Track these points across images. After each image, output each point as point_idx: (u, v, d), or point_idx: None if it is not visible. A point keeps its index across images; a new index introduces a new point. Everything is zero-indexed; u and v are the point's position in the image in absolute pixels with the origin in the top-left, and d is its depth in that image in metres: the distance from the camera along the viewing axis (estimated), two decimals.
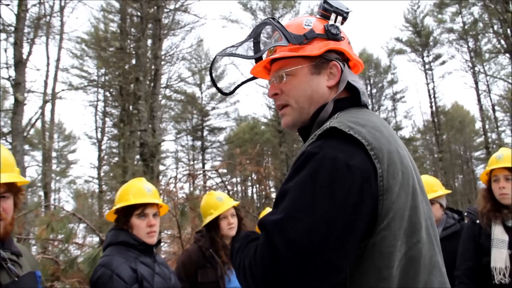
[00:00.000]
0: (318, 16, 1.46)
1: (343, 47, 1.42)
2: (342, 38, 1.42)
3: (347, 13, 1.44)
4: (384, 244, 1.12)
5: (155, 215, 2.82)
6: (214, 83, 1.57)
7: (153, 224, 2.76)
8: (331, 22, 1.42)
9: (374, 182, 1.13)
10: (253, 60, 1.54)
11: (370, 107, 1.46)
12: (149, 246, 2.76)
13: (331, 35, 1.39)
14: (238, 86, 1.61)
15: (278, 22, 1.42)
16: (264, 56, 1.49)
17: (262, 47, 1.50)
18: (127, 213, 2.76)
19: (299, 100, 1.41)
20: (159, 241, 2.87)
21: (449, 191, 3.80)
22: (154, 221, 2.78)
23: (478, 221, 3.10)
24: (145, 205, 2.77)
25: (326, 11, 1.43)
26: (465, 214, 3.48)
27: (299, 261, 1.06)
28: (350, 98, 1.40)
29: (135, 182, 2.96)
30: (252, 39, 1.48)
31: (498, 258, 2.88)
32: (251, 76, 1.60)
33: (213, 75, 1.56)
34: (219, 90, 1.61)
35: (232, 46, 1.45)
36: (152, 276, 2.65)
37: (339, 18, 1.42)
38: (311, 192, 1.11)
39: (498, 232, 2.94)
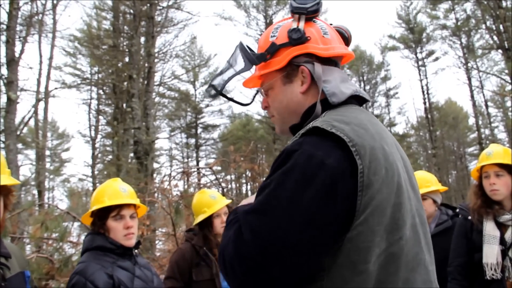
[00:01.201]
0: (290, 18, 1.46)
1: (310, 48, 1.39)
2: (308, 38, 1.39)
3: (313, 6, 1.40)
4: (360, 239, 1.12)
5: (132, 216, 2.72)
6: (233, 100, 1.64)
7: (130, 226, 2.66)
8: (293, 25, 1.40)
9: (351, 180, 1.14)
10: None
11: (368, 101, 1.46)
12: (127, 249, 2.66)
13: (293, 40, 1.38)
14: (253, 97, 1.63)
15: (243, 46, 1.45)
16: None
17: (227, 76, 1.50)
18: (102, 215, 2.65)
19: (279, 111, 1.46)
20: (138, 243, 2.78)
21: (445, 188, 3.81)
22: (131, 223, 2.68)
23: (470, 217, 3.13)
24: (121, 207, 2.66)
25: (292, 13, 1.43)
26: (457, 210, 3.50)
27: (260, 252, 1.13)
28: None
29: (110, 183, 2.84)
30: (231, 63, 1.49)
31: (489, 254, 2.91)
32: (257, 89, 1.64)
33: (228, 95, 1.60)
34: (239, 103, 1.65)
35: (217, 75, 1.49)
36: (132, 280, 2.56)
37: (303, 17, 1.41)
38: (283, 188, 1.15)
39: (489, 228, 2.97)
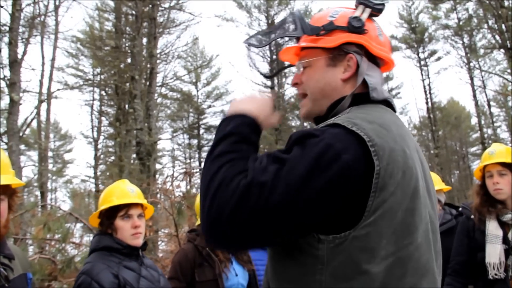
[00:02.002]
0: (353, 8, 1.45)
1: (365, 40, 1.38)
2: (366, 31, 1.39)
3: (378, 5, 1.41)
4: (367, 239, 1.11)
5: (140, 216, 2.76)
6: (258, 71, 1.59)
7: (138, 225, 2.69)
8: (356, 14, 1.39)
9: (363, 180, 1.12)
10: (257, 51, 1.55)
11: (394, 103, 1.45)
12: (134, 249, 2.70)
13: (352, 27, 1.37)
14: (279, 70, 1.69)
15: (299, 12, 1.43)
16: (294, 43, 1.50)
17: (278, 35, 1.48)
18: (110, 215, 2.70)
19: (313, 91, 1.42)
20: (145, 243, 2.81)
21: (448, 188, 3.81)
22: (139, 222, 2.71)
23: (472, 217, 3.12)
24: (129, 206, 2.70)
25: (358, 2, 1.42)
26: (460, 209, 3.49)
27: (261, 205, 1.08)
28: (367, 94, 1.38)
29: (118, 184, 2.89)
30: (277, 30, 1.47)
31: (492, 254, 2.90)
32: (287, 63, 1.62)
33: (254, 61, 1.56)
34: (261, 73, 1.64)
35: (263, 34, 1.47)
36: (138, 280, 2.59)
37: (367, 11, 1.40)
38: (296, 165, 1.11)
39: (492, 228, 2.96)
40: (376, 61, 1.44)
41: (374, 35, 1.43)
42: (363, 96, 1.37)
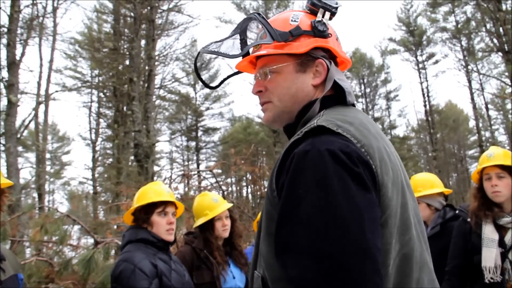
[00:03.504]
0: (306, 10, 1.42)
1: (331, 44, 1.38)
2: (330, 35, 1.38)
3: (336, 8, 1.39)
4: (382, 242, 1.06)
5: (173, 214, 2.96)
6: (199, 77, 1.54)
7: (172, 222, 2.91)
8: (318, 18, 1.37)
9: (372, 173, 1.10)
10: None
11: (360, 106, 1.44)
12: (166, 243, 2.89)
13: (318, 32, 1.35)
14: (224, 80, 1.58)
15: (263, 18, 1.38)
16: (250, 51, 1.45)
17: (248, 43, 1.44)
18: (148, 210, 2.88)
19: (282, 98, 1.38)
20: (174, 239, 2.98)
21: (449, 191, 3.78)
22: (173, 219, 2.93)
23: (469, 220, 3.12)
24: (166, 204, 2.91)
25: (314, 6, 1.39)
26: (457, 212, 3.48)
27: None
28: (335, 97, 1.36)
29: (152, 185, 3.12)
30: (237, 35, 1.43)
31: (488, 258, 2.90)
32: (237, 70, 1.56)
33: (198, 69, 1.53)
34: (204, 83, 1.58)
35: (216, 42, 1.40)
36: (170, 272, 2.76)
37: (327, 14, 1.38)
38: (325, 200, 1.03)
39: (488, 231, 2.96)
40: (336, 63, 1.44)
41: (335, 38, 1.43)
42: (331, 99, 1.35)
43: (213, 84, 1.59)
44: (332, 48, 1.38)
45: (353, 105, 1.40)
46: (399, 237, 1.13)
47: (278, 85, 1.38)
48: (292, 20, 1.39)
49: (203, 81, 1.58)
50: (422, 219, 1.33)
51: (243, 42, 1.44)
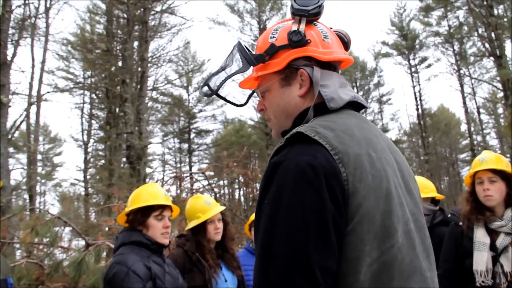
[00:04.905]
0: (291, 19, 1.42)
1: (310, 51, 1.37)
2: (309, 41, 1.36)
3: (315, 9, 1.37)
4: (349, 249, 1.10)
5: (169, 218, 2.97)
6: (228, 101, 1.58)
7: (168, 226, 2.92)
8: (293, 28, 1.37)
9: (340, 183, 1.12)
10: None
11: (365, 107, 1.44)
12: (160, 246, 2.89)
13: (293, 43, 1.36)
14: (250, 95, 1.61)
15: (241, 46, 1.42)
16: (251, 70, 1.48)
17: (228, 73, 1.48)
18: (145, 213, 2.87)
19: (276, 115, 1.43)
20: (169, 243, 2.99)
21: (441, 196, 3.79)
22: (169, 223, 2.93)
23: (461, 223, 3.13)
24: (163, 208, 2.91)
25: (293, 14, 1.39)
26: (449, 215, 3.49)
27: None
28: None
29: (148, 186, 3.13)
30: (226, 65, 1.46)
31: (479, 261, 2.91)
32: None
33: (224, 98, 1.57)
34: (234, 104, 1.62)
35: (213, 75, 1.46)
36: (164, 275, 2.75)
37: (303, 20, 1.38)
38: (279, 207, 1.11)
39: (479, 235, 2.97)
40: (330, 64, 1.42)
41: (319, 40, 1.40)
42: (325, 105, 1.34)
43: (238, 103, 1.63)
44: (313, 55, 1.37)
45: (360, 106, 1.43)
46: (378, 244, 1.12)
47: (270, 103, 1.44)
48: (271, 37, 1.42)
49: (232, 103, 1.62)
50: None
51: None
